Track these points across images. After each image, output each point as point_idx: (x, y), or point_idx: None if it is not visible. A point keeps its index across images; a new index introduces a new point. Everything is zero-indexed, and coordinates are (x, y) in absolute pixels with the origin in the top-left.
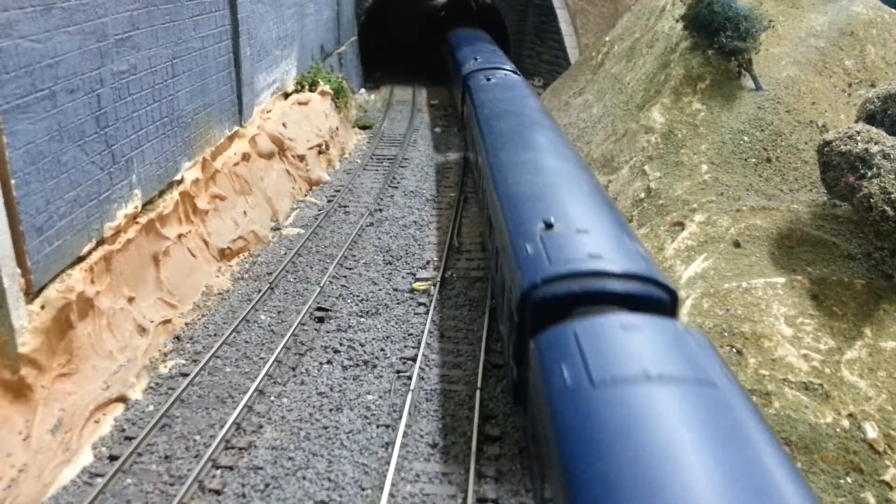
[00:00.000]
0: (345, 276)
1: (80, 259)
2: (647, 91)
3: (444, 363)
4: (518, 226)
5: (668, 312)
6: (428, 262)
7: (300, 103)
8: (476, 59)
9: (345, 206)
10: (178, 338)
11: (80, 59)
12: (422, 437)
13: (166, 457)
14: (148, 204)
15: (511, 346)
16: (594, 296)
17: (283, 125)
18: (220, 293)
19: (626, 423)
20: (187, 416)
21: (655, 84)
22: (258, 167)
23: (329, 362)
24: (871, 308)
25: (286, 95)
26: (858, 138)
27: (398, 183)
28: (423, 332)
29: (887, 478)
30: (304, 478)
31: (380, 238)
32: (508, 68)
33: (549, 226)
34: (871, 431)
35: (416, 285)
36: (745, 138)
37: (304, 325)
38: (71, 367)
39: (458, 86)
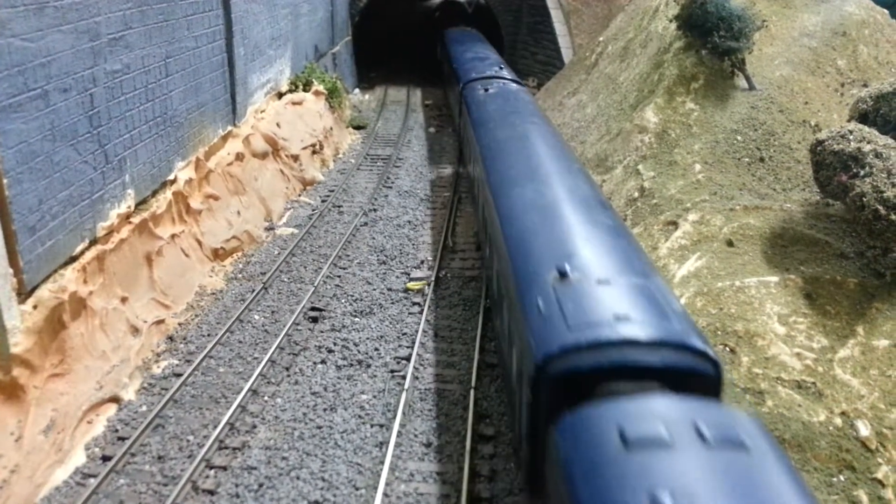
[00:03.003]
0: (339, 276)
1: (73, 259)
2: (641, 91)
3: (438, 362)
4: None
5: (711, 389)
6: (422, 262)
7: (294, 103)
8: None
9: (339, 206)
10: (171, 338)
11: (73, 59)
12: (416, 436)
13: (159, 457)
14: (141, 204)
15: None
16: (623, 370)
17: (277, 125)
18: (213, 293)
19: None
20: (181, 416)
21: (649, 84)
22: (252, 167)
23: (323, 362)
24: (863, 306)
25: (280, 95)
26: (851, 137)
27: (392, 183)
28: (417, 331)
29: (879, 475)
30: (297, 478)
31: (374, 238)
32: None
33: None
34: (864, 429)
35: (411, 285)
36: (739, 138)
37: (297, 324)
38: (63, 368)
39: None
